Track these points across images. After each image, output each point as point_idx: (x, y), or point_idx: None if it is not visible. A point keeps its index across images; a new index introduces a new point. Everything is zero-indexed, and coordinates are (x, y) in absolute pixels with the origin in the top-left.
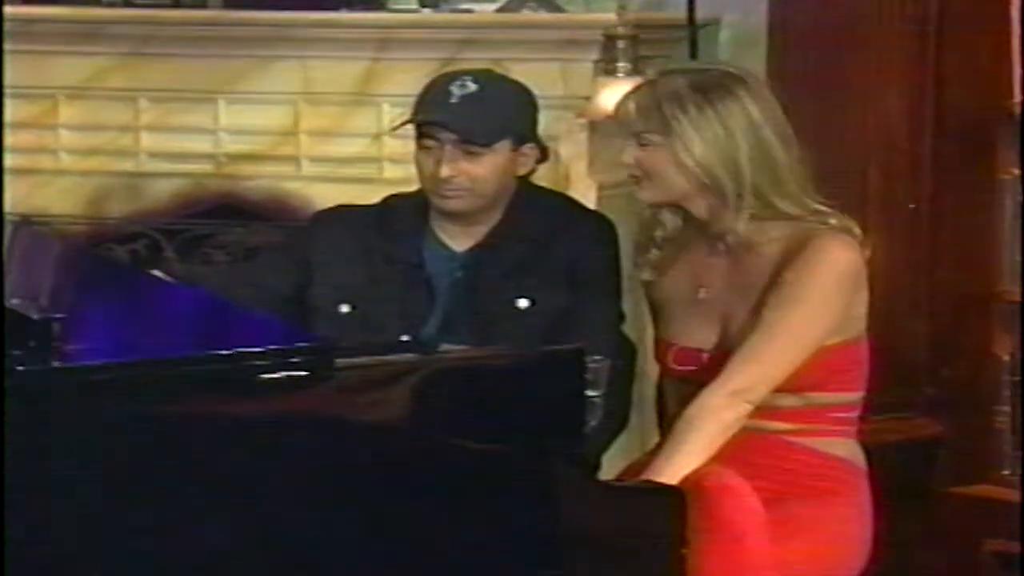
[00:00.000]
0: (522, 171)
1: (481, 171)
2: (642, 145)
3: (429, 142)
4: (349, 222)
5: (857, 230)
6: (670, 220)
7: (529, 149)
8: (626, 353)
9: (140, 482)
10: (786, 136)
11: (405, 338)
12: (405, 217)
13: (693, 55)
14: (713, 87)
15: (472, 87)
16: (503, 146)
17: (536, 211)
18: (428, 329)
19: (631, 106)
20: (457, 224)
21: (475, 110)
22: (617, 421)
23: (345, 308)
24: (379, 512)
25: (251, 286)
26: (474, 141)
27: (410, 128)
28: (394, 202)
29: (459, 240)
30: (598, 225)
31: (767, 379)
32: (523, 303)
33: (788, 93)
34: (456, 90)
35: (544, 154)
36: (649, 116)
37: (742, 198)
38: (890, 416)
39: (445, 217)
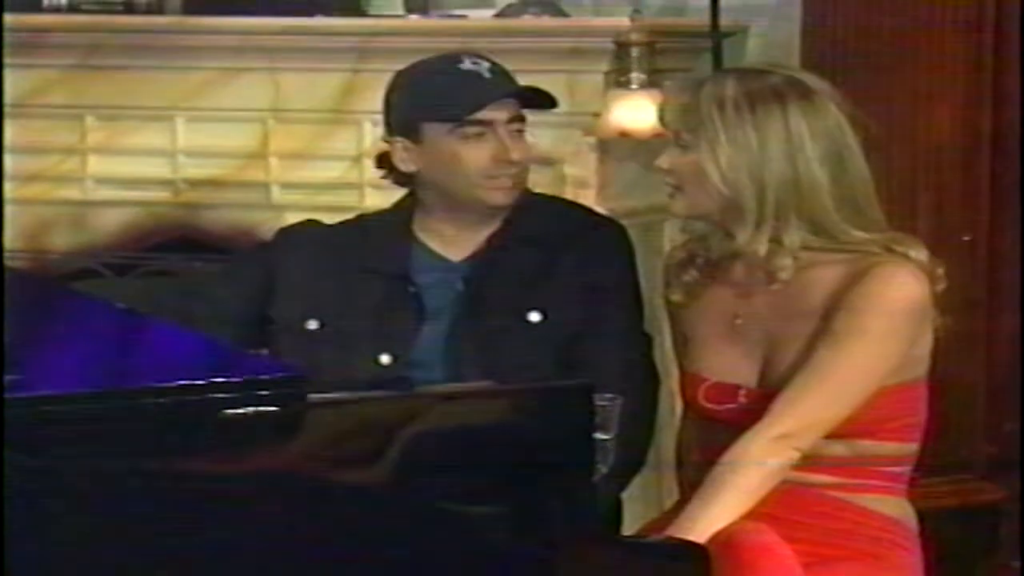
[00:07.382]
0: None
1: (527, 146)
2: (679, 147)
3: (480, 129)
4: (319, 234)
5: (926, 258)
6: (716, 242)
7: None
8: (647, 385)
9: (79, 532)
10: (842, 158)
11: (385, 359)
12: (385, 227)
13: (717, 66)
14: (762, 92)
15: (485, 61)
16: None
17: (542, 214)
18: (417, 350)
19: (673, 102)
20: (455, 228)
21: (510, 77)
22: (631, 466)
23: (313, 324)
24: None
25: (199, 300)
26: (543, 105)
27: None
28: (369, 216)
29: (453, 249)
30: (615, 232)
31: (818, 423)
32: (535, 316)
33: None
34: (478, 67)
35: None
36: (687, 113)
37: (763, 218)
38: (943, 479)
39: (446, 223)
